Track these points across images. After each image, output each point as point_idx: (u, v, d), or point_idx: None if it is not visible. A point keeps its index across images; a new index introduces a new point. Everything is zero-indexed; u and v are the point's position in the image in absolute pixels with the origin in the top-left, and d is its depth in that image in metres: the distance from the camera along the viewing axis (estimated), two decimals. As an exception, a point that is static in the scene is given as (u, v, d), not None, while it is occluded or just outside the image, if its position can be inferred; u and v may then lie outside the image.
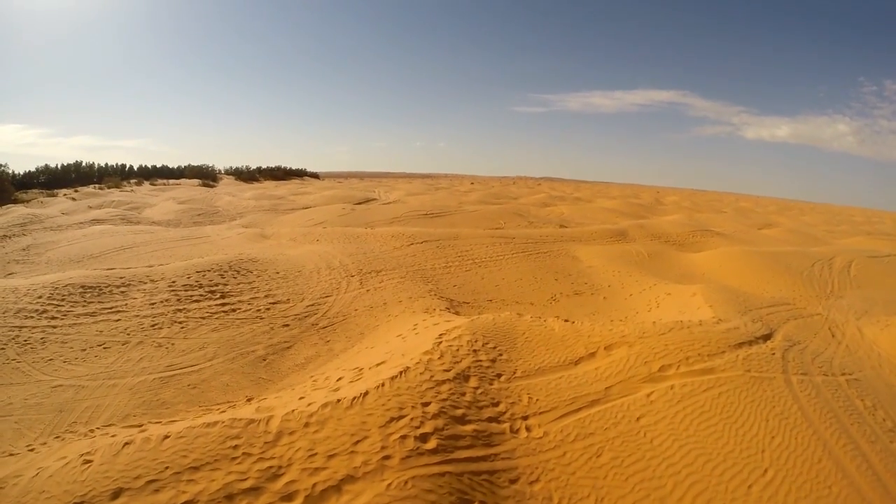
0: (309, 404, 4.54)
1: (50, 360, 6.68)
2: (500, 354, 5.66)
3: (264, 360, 7.02)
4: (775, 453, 4.32)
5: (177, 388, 6.20)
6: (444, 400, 4.65)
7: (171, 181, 51.52)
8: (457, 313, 8.77)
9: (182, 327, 7.66)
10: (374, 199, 32.96)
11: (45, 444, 5.04)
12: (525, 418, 4.72)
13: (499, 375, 5.26)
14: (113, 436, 4.97)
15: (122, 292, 8.75)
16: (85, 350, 6.92)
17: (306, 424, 4.22)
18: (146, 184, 47.21)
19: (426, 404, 4.54)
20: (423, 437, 4.16)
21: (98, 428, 5.33)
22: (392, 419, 4.28)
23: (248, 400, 5.95)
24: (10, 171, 34.15)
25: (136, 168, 55.67)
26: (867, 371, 6.69)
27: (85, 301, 8.31)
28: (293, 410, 4.40)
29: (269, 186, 51.50)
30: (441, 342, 5.71)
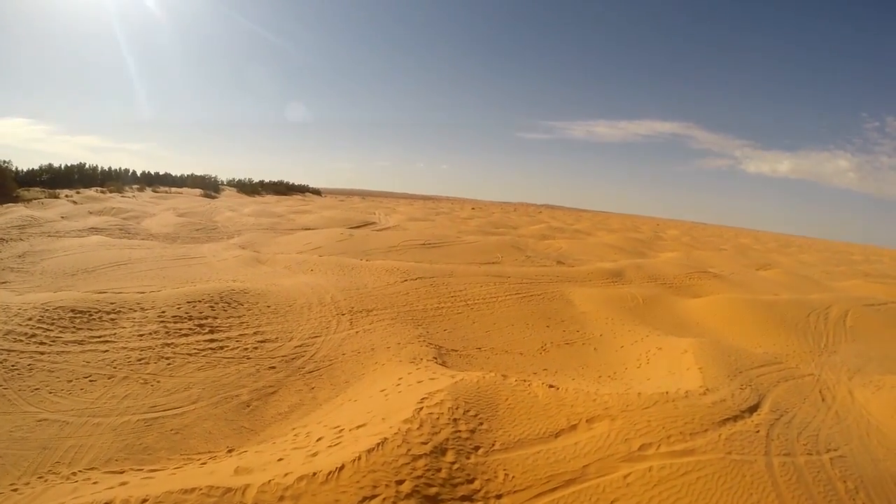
0: (286, 474, 4.52)
1: (36, 389, 6.67)
2: (481, 424, 5.65)
3: (248, 405, 7.00)
4: (747, 554, 4.31)
5: (160, 432, 6.17)
6: (419, 477, 4.63)
7: (174, 189, 51.70)
8: (444, 363, 8.75)
9: (168, 364, 7.65)
10: (374, 223, 33.05)
11: (28, 484, 5.04)
12: (499, 497, 4.69)
13: (477, 448, 5.25)
14: (95, 482, 4.98)
15: (112, 320, 8.76)
16: (71, 381, 6.91)
17: (281, 498, 4.21)
18: (148, 190, 47.39)
19: (400, 482, 4.52)
20: (395, 519, 4.15)
21: (80, 471, 5.31)
22: (365, 498, 4.26)
23: (229, 451, 5.94)
24: (14, 168, 34.19)
25: (139, 174, 55.87)
26: (854, 444, 6.69)
27: (74, 327, 8.31)
28: (270, 481, 4.38)
29: (270, 201, 51.66)
30: (422, 409, 5.70)
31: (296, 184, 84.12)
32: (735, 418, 6.16)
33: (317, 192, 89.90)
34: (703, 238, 61.97)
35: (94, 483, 4.84)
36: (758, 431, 5.94)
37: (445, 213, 58.01)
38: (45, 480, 5.01)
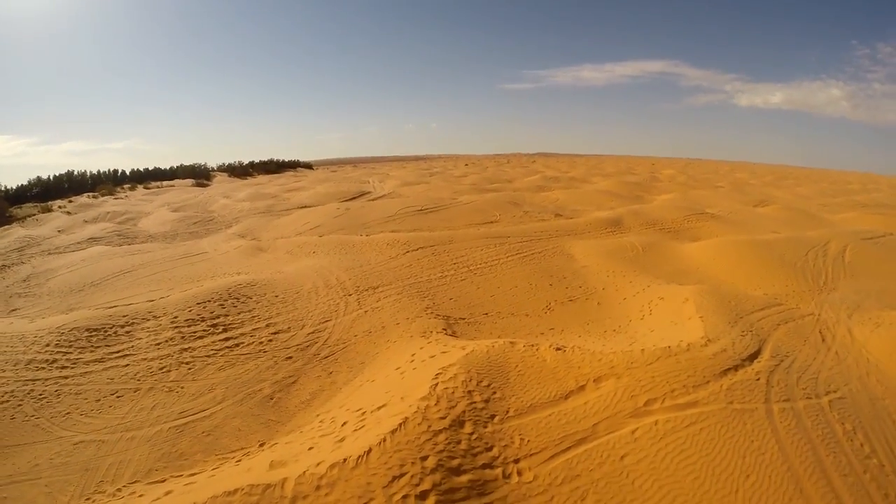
0: (318, 464, 4.83)
1: (67, 413, 6.97)
2: (494, 393, 5.94)
3: (271, 398, 7.32)
4: (748, 493, 4.63)
5: (192, 436, 6.50)
6: (441, 451, 4.94)
7: (165, 183, 51.35)
8: (453, 333, 9.05)
9: (189, 368, 7.94)
10: (368, 193, 33.03)
11: (76, 508, 5.38)
12: (517, 461, 5.02)
13: (492, 417, 5.56)
14: (140, 495, 5.32)
15: (127, 332, 9.02)
16: (99, 400, 7.21)
17: (317, 487, 4.52)
18: (140, 188, 47.10)
19: (424, 458, 4.83)
20: (423, 495, 4.46)
21: (125, 486, 5.65)
22: (394, 478, 4.58)
23: (261, 445, 6.28)
24: (3, 187, 34.02)
25: (128, 172, 55.36)
26: (853, 384, 6.97)
27: (92, 346, 8.57)
28: (304, 472, 4.69)
29: (262, 182, 51.48)
30: (437, 384, 5.98)
31: (287, 160, 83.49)
32: (736, 368, 6.44)
33: (308, 165, 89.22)
34: (700, 176, 61.74)
35: (140, 496, 5.17)
36: (758, 379, 6.23)
37: (439, 172, 57.77)
38: (94, 501, 5.34)
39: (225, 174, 64.38)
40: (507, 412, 5.67)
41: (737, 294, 10.32)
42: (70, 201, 35.22)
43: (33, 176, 41.47)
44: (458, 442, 5.13)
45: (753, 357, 6.98)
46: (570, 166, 78.29)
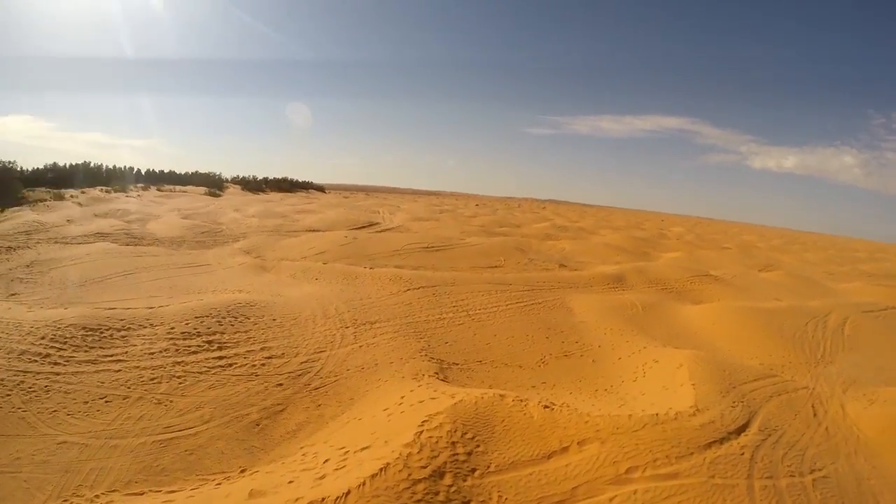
0: (297, 500, 4.84)
1: (54, 411, 6.99)
2: (477, 446, 5.94)
3: (258, 424, 7.32)
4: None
5: (175, 453, 6.50)
6: (419, 501, 4.93)
7: (178, 188, 52.04)
8: (445, 379, 9.06)
9: (180, 383, 7.96)
10: (377, 224, 33.34)
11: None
12: (494, 519, 5.00)
13: (473, 470, 5.55)
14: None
15: (123, 337, 9.08)
16: (87, 403, 7.23)
17: (290, 525, 4.52)
18: (153, 189, 47.74)
19: (402, 507, 4.83)
20: (397, 545, 4.45)
21: (103, 494, 5.65)
22: (369, 524, 4.58)
23: (242, 471, 6.27)
24: (19, 168, 34.43)
25: (143, 172, 56.28)
26: (841, 462, 6.96)
27: (87, 346, 8.63)
28: (280, 508, 4.69)
29: (274, 199, 52.01)
30: (422, 432, 5.99)
31: (300, 180, 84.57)
32: (721, 440, 6.44)
33: (321, 188, 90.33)
34: (708, 235, 62.04)
35: (116, 508, 5.16)
36: (742, 454, 6.22)
37: (449, 210, 58.24)
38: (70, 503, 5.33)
39: (238, 187, 65.24)
40: (489, 467, 5.66)
41: (732, 363, 10.32)
42: (83, 192, 35.73)
43: (50, 160, 42.11)
44: (437, 493, 5.13)
45: (741, 430, 6.97)
46: (580, 216, 78.86)
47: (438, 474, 5.36)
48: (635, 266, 22.07)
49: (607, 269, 20.97)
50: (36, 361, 7.98)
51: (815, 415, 8.56)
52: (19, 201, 28.10)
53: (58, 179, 39.11)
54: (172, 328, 9.54)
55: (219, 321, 10.11)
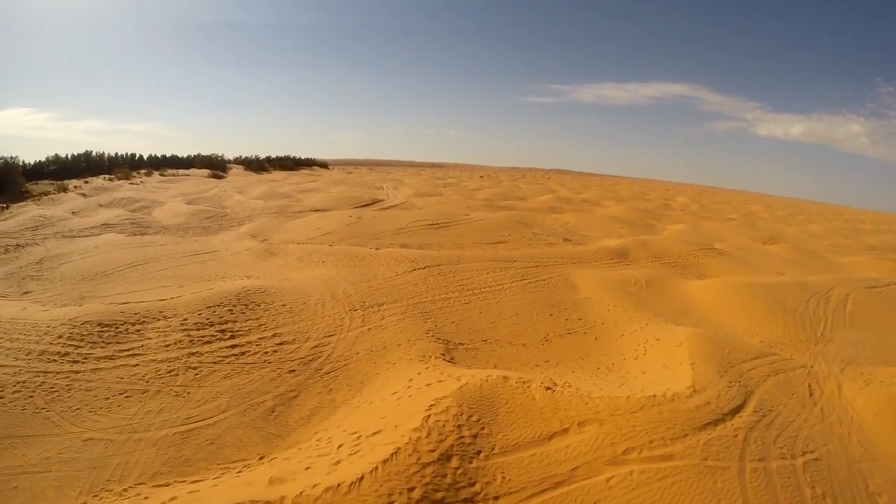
0: (314, 486, 5.16)
1: (77, 409, 7.32)
2: (483, 428, 6.23)
3: (273, 411, 7.65)
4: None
5: (196, 443, 6.84)
6: (427, 484, 5.24)
7: (181, 172, 52.13)
8: (451, 359, 9.35)
9: (196, 374, 8.29)
10: (382, 201, 33.45)
11: (85, 503, 5.72)
12: (496, 498, 5.31)
13: (478, 452, 5.85)
14: (146, 497, 5.67)
15: (138, 331, 9.39)
16: (108, 399, 7.57)
17: (311, 510, 4.84)
18: (156, 174, 47.87)
19: (412, 489, 5.14)
20: (407, 526, 4.77)
21: (131, 487, 6.00)
22: (381, 507, 4.89)
23: (261, 458, 6.63)
24: (21, 161, 34.64)
25: (145, 157, 56.35)
26: (833, 444, 7.15)
27: (103, 342, 8.94)
28: (301, 493, 5.02)
29: (277, 179, 52.08)
30: (429, 416, 6.28)
31: (303, 158, 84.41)
32: (716, 422, 6.68)
33: (324, 165, 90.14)
34: (713, 205, 61.80)
35: (146, 499, 5.51)
36: (736, 436, 6.46)
37: (454, 183, 58.17)
38: (101, 499, 5.68)
39: (241, 167, 65.22)
40: (493, 449, 5.95)
41: (732, 340, 10.48)
42: (86, 182, 35.99)
43: (51, 151, 42.52)
44: (444, 476, 5.43)
45: (736, 411, 7.19)
46: (585, 186, 78.45)
47: (446, 457, 5.66)
48: (639, 240, 22.15)
49: (611, 244, 21.08)
50: (55, 361, 8.29)
51: (811, 395, 8.70)
52: (23, 196, 28.39)
53: (60, 171, 39.35)
54: (186, 319, 9.84)
55: (230, 310, 10.39)
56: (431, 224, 22.41)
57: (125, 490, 5.83)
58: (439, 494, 5.19)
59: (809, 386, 9.08)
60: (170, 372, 8.26)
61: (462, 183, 60.21)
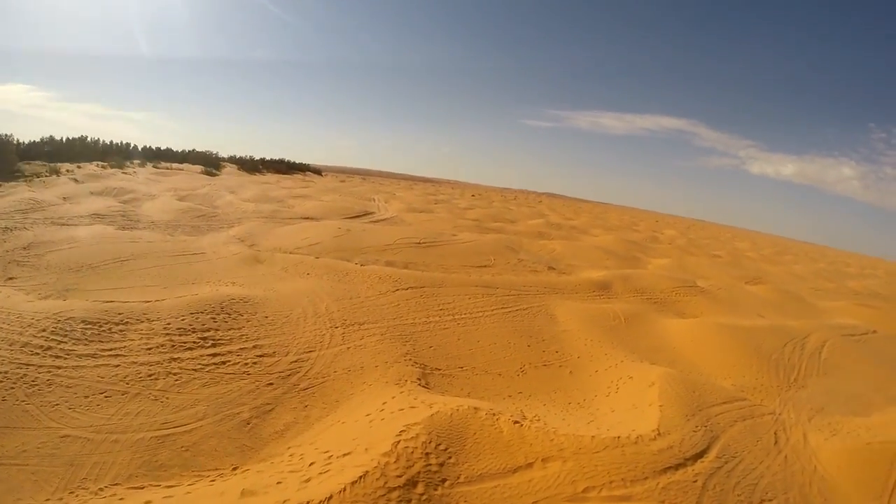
0: (284, 501, 5.36)
1: (56, 405, 7.42)
2: (449, 458, 6.46)
3: (248, 423, 7.80)
4: None
5: (172, 449, 6.97)
6: (393, 509, 5.45)
7: (174, 165, 52.05)
8: (426, 385, 9.56)
9: (176, 380, 8.42)
10: (372, 213, 33.71)
11: (61, 499, 5.87)
12: (458, 529, 5.53)
13: (444, 481, 6.07)
14: (121, 499, 5.83)
15: (121, 331, 9.50)
16: (88, 398, 7.67)
17: (276, 527, 5.02)
18: (149, 165, 47.76)
19: (377, 513, 5.34)
20: (370, 550, 4.97)
21: (106, 487, 6.13)
22: (346, 529, 5.09)
23: (234, 469, 6.78)
24: (16, 140, 34.42)
25: (140, 148, 56.21)
26: (793, 493, 7.41)
27: (87, 339, 9.04)
28: (268, 509, 5.20)
29: (270, 181, 52.21)
30: (399, 442, 6.51)
31: (297, 162, 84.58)
32: (677, 466, 6.96)
33: (318, 171, 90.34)
34: (700, 240, 62.74)
35: (121, 500, 5.66)
36: (695, 481, 6.74)
37: (445, 200, 58.57)
38: (77, 496, 5.82)
39: (235, 167, 65.18)
40: (458, 478, 6.18)
41: (704, 383, 10.74)
42: (79, 167, 35.83)
43: (45, 130, 42.37)
44: (409, 500, 5.65)
45: (699, 456, 7.47)
46: (575, 213, 79.38)
47: (412, 483, 5.88)
48: (622, 273, 22.54)
49: (595, 275, 21.44)
50: (38, 354, 8.37)
51: (776, 442, 8.94)
52: (14, 175, 28.26)
53: (54, 153, 39.14)
54: (169, 324, 9.97)
55: (213, 317, 10.54)
56: (419, 242, 22.64)
57: (101, 490, 5.97)
58: (403, 520, 5.40)
59: (776, 433, 9.34)
60: (150, 375, 8.38)
61: (453, 200, 60.64)
